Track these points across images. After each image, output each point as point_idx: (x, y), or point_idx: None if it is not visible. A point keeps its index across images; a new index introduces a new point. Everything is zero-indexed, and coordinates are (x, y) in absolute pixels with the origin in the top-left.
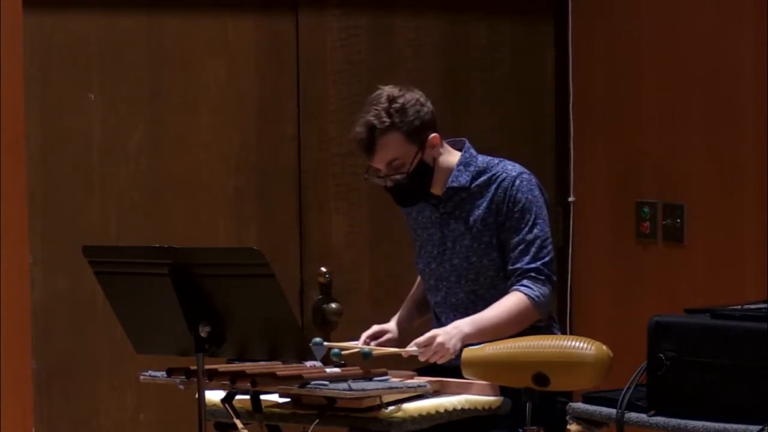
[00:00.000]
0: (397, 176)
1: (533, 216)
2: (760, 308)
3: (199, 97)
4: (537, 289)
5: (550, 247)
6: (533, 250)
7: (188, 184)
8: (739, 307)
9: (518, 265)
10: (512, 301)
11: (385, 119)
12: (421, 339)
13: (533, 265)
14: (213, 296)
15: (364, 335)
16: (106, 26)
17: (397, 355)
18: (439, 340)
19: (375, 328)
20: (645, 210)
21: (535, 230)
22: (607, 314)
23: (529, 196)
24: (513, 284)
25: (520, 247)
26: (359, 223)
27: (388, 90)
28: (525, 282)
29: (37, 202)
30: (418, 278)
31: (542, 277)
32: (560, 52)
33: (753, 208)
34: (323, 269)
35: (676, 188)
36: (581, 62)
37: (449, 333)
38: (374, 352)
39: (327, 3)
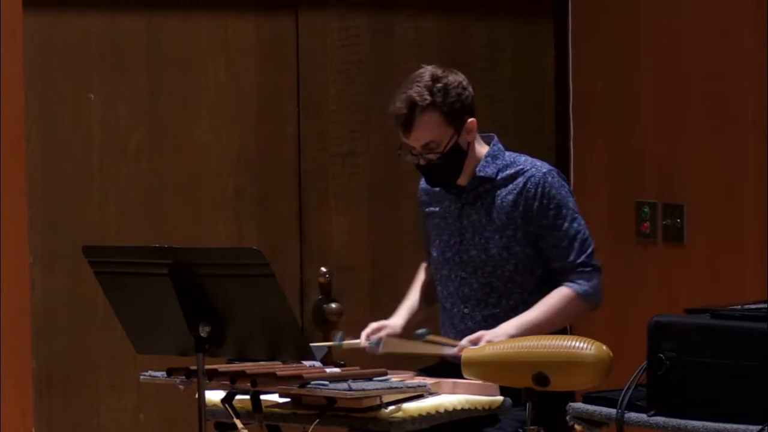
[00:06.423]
0: (431, 156)
1: (570, 211)
2: (760, 308)
3: (199, 97)
4: (585, 283)
5: (590, 239)
6: (577, 244)
7: (188, 184)
8: (739, 307)
9: (565, 262)
10: (558, 298)
11: (427, 97)
12: (471, 336)
13: (580, 260)
14: (213, 296)
15: (364, 334)
16: (106, 26)
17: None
18: (487, 338)
19: (373, 325)
20: (645, 210)
21: (575, 224)
22: (607, 314)
23: (562, 192)
24: (560, 280)
25: (563, 244)
26: (359, 223)
27: (431, 69)
28: (572, 277)
29: (37, 202)
30: (421, 267)
31: (588, 269)
32: (560, 52)
33: (753, 208)
34: (323, 269)
35: (676, 188)
36: (581, 62)
37: (496, 334)
38: (428, 337)
39: (327, 3)
